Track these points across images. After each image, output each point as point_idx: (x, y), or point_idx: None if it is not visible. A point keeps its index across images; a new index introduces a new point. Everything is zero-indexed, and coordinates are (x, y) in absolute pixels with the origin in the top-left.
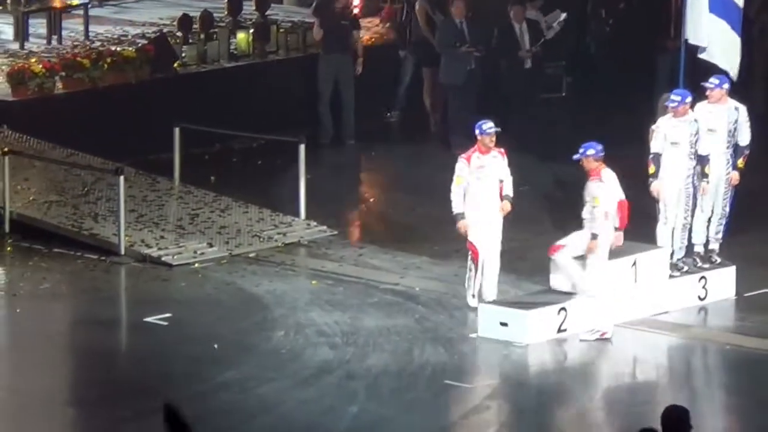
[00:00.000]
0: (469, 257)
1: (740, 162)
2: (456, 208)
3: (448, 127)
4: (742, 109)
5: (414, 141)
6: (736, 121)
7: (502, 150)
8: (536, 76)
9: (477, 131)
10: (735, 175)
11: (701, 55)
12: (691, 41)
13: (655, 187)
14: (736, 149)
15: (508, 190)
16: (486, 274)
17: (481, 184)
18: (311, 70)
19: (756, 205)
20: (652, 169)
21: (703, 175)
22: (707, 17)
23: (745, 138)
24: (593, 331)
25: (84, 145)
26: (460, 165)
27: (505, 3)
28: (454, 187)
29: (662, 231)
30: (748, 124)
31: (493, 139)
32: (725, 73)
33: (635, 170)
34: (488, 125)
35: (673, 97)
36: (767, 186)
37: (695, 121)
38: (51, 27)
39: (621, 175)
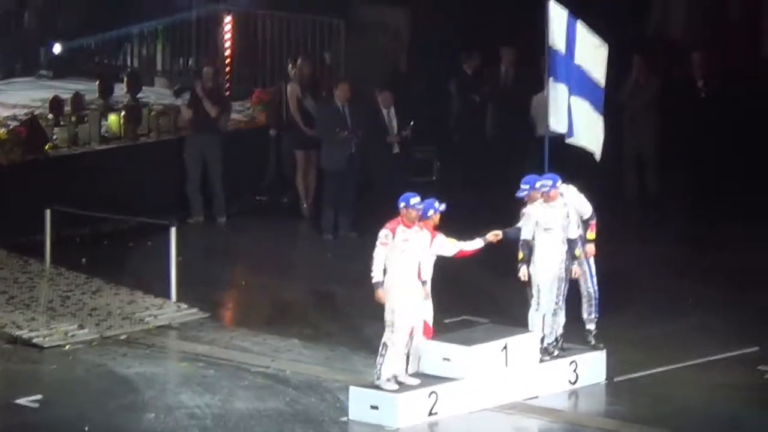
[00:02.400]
0: (386, 335)
1: (590, 234)
2: (376, 275)
3: (321, 212)
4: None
5: (284, 223)
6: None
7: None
8: (405, 161)
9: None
10: (590, 248)
11: (569, 140)
12: (552, 128)
13: (524, 272)
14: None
15: (427, 276)
16: (412, 348)
17: (406, 258)
18: (182, 152)
19: (624, 287)
20: (521, 255)
21: (574, 258)
22: (570, 100)
23: (577, 222)
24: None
25: None
26: (386, 233)
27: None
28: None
29: (534, 317)
30: (581, 198)
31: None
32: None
33: (506, 254)
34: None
35: (544, 182)
36: (635, 267)
37: (565, 204)
38: None
39: (483, 254)
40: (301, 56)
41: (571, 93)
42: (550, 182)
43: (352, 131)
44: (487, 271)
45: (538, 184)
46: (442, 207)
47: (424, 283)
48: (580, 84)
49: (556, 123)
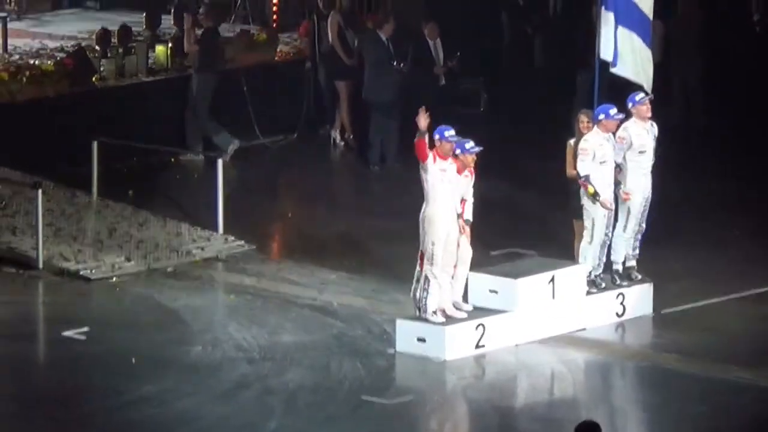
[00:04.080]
0: (427, 268)
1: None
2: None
3: (368, 143)
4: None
5: (326, 154)
6: (655, 138)
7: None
8: (451, 92)
9: (458, 149)
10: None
11: (613, 70)
12: (602, 56)
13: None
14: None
15: (469, 214)
16: (457, 276)
17: (444, 189)
18: (226, 84)
19: (671, 220)
20: (591, 189)
21: (617, 184)
22: (618, 31)
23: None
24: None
25: (2, 159)
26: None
27: (419, 19)
28: None
29: (586, 249)
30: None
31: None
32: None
33: (554, 187)
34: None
35: (612, 111)
36: (683, 200)
37: (612, 135)
38: None
39: (540, 190)
40: None
41: (617, 23)
42: (614, 110)
43: (397, 63)
44: (534, 202)
45: (638, 98)
46: (476, 149)
47: (466, 221)
48: (628, 15)
49: (605, 52)
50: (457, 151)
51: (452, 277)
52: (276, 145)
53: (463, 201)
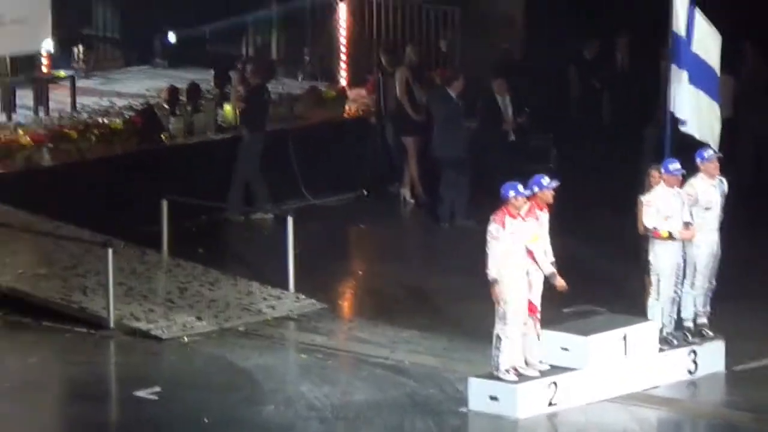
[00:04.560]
0: (499, 327)
1: None
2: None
3: (438, 200)
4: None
5: (396, 211)
6: (723, 195)
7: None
8: (521, 148)
9: (535, 187)
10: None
11: (682, 128)
12: (676, 114)
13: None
14: None
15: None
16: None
17: (515, 250)
18: (297, 142)
19: (741, 277)
20: (665, 233)
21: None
22: (687, 89)
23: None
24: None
25: (72, 218)
26: (496, 227)
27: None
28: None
29: (653, 305)
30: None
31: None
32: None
33: (626, 244)
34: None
35: (670, 165)
36: (753, 257)
37: (679, 193)
38: (38, 99)
39: (612, 246)
40: (409, 43)
41: (690, 81)
42: (678, 165)
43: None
44: (606, 258)
45: (706, 154)
46: (553, 184)
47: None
48: (697, 71)
49: (678, 110)
50: (535, 189)
51: (523, 335)
52: (343, 202)
53: (530, 252)
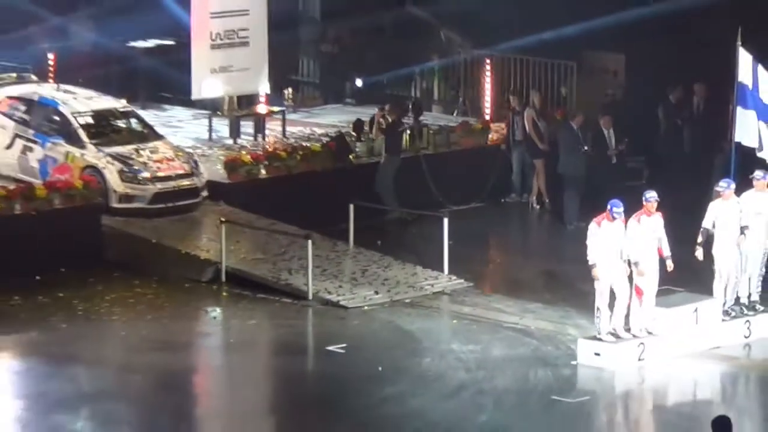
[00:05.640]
0: (597, 301)
1: None
2: (591, 258)
3: (564, 207)
4: None
5: (520, 215)
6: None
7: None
8: (620, 169)
9: (643, 199)
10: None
11: (759, 154)
12: (745, 143)
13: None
14: None
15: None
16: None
17: (608, 244)
18: (453, 163)
19: None
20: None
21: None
22: (759, 124)
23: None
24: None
25: (281, 217)
26: (593, 226)
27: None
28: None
29: (718, 286)
30: None
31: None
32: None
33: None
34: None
35: (721, 183)
36: None
37: (738, 203)
38: (257, 127)
39: (682, 240)
40: (533, 89)
41: (759, 118)
42: (725, 184)
43: (586, 147)
44: (686, 249)
45: (758, 174)
46: (654, 197)
47: (635, 264)
48: (764, 111)
49: (748, 140)
50: (643, 200)
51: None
52: (471, 207)
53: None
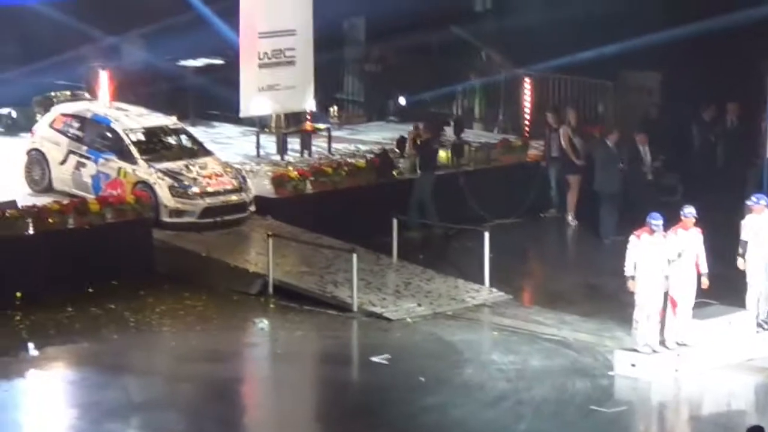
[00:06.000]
0: (636, 313)
1: None
2: (628, 270)
3: (600, 221)
4: None
5: (557, 229)
6: None
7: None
8: (656, 185)
9: (681, 214)
10: None
11: None
12: None
13: (741, 263)
14: None
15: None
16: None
17: (647, 257)
18: (493, 179)
19: None
20: (741, 251)
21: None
22: None
23: None
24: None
25: (327, 231)
26: (633, 239)
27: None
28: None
29: (749, 299)
30: None
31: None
32: None
33: (731, 250)
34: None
35: (752, 198)
36: None
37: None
38: (303, 144)
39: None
40: (568, 107)
41: None
42: (755, 199)
43: (622, 164)
44: (720, 262)
45: None
46: (692, 213)
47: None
48: None
49: None
50: (682, 216)
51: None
52: (510, 222)
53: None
